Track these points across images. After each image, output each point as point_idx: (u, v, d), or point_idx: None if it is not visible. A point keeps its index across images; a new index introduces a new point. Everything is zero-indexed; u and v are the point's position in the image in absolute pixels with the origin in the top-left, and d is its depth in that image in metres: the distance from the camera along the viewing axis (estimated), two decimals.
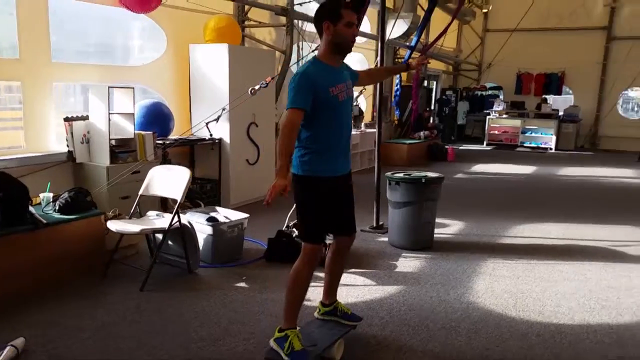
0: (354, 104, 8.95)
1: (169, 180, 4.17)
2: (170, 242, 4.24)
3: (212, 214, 4.59)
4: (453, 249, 5.05)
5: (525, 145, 14.59)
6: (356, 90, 7.28)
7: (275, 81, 6.81)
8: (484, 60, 16.36)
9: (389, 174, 5.02)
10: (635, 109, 15.30)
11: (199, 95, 6.30)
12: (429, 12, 9.89)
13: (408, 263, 4.59)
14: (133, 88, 5.11)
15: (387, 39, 6.22)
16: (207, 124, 6.02)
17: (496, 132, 14.88)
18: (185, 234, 4.05)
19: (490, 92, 16.24)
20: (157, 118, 5.70)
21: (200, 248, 4.26)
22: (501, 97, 15.82)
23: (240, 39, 6.65)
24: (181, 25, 6.19)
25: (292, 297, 2.78)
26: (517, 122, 14.69)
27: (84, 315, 3.37)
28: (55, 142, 5.04)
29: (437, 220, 5.22)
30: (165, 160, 5.51)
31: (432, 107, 14.69)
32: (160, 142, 5.56)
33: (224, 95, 6.05)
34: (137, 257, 4.49)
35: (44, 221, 3.72)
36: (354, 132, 9.06)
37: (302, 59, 7.39)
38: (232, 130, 6.18)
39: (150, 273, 3.86)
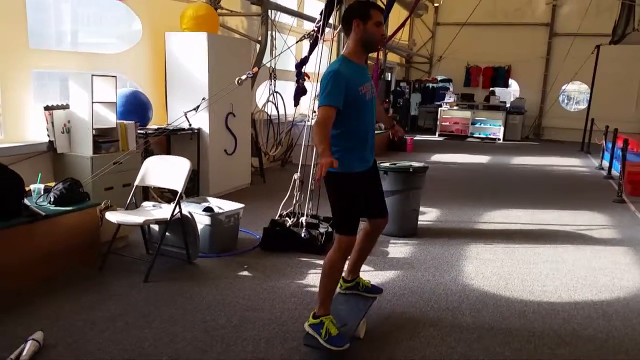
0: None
1: (167, 170, 4.12)
2: (167, 233, 4.20)
3: (205, 204, 4.58)
4: (436, 235, 5.27)
5: (475, 135, 15.20)
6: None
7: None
8: (435, 53, 16.86)
9: None
10: (566, 101, 16.28)
11: (175, 84, 6.19)
12: (389, 7, 10.09)
13: (399, 249, 4.76)
14: (115, 76, 4.98)
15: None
16: (185, 113, 5.94)
17: (447, 123, 15.40)
18: (185, 224, 4.03)
19: (440, 84, 16.77)
20: (136, 107, 5.57)
21: None
22: (451, 89, 16.36)
23: (218, 28, 6.58)
24: (157, 12, 6.05)
25: (328, 285, 2.87)
26: (467, 114, 15.27)
27: (94, 308, 3.31)
28: (34, 132, 4.84)
29: None
30: (147, 150, 5.41)
31: (390, 99, 15.00)
32: (141, 132, 5.44)
33: (202, 85, 5.99)
34: (128, 249, 4.42)
35: (43, 213, 3.61)
36: None
37: (275, 49, 7.40)
38: (211, 120, 6.13)
39: (153, 264, 3.82)
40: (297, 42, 5.94)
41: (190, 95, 6.02)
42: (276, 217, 4.79)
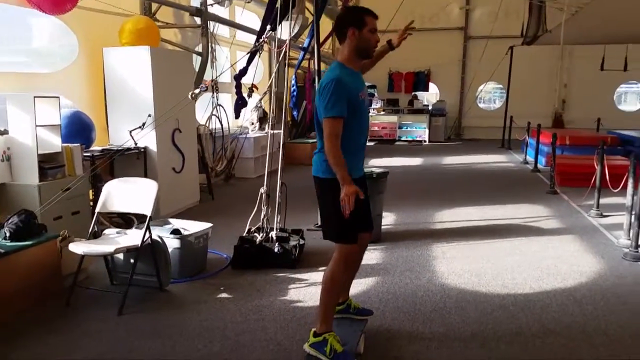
0: (259, 105, 8.94)
1: (131, 194, 3.90)
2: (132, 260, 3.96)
3: (169, 227, 4.37)
4: (399, 238, 5.36)
5: (402, 139, 15.69)
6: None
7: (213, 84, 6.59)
8: None
9: None
10: (482, 102, 17.23)
11: (116, 102, 5.88)
12: (318, 15, 10.21)
13: (369, 255, 4.78)
14: (58, 97, 4.65)
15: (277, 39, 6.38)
16: (130, 132, 5.67)
17: (376, 128, 15.77)
18: (156, 250, 3.82)
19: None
20: (79, 129, 5.24)
21: None
22: (376, 95, 16.78)
23: (159, 41, 6.33)
24: (93, 28, 5.72)
25: (329, 301, 2.79)
26: (393, 118, 15.74)
27: (70, 351, 3.04)
28: None
29: None
30: (95, 174, 5.08)
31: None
32: (87, 154, 5.11)
33: (147, 101, 5.74)
34: (90, 281, 4.12)
35: (1, 250, 3.28)
36: (261, 133, 9.06)
37: (216, 60, 7.23)
38: (158, 138, 5.87)
39: (126, 295, 3.58)
40: (248, 53, 5.82)
41: (133, 113, 5.75)
42: (244, 234, 4.66)
